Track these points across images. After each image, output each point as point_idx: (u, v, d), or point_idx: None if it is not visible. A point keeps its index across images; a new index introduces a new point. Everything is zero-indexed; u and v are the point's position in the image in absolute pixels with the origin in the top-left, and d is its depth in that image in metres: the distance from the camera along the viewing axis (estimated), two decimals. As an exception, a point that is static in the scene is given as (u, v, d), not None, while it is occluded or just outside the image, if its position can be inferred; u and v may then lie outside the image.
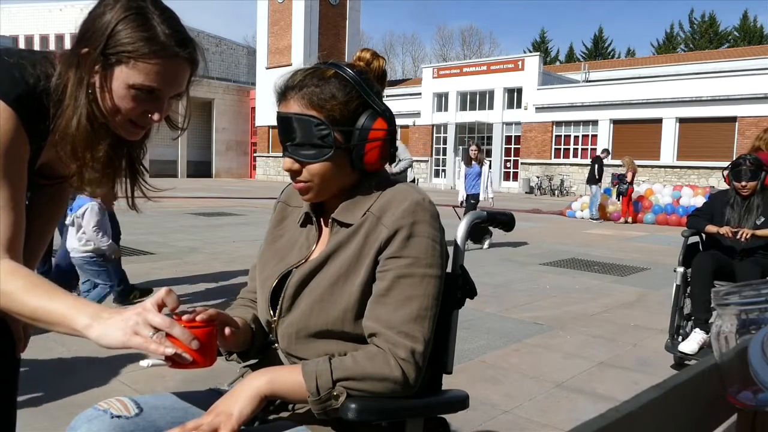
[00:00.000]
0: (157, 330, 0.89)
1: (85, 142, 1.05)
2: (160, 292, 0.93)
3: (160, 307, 0.92)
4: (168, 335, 0.89)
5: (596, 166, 13.05)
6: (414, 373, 1.00)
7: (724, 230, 3.37)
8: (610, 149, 19.47)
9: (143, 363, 0.93)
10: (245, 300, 1.26)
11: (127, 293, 4.28)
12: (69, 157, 1.06)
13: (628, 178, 12.53)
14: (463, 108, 28.86)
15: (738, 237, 3.32)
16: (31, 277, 0.98)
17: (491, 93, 27.74)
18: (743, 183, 3.44)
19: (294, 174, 1.08)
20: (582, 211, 13.58)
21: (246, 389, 0.96)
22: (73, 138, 1.04)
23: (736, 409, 0.76)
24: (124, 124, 1.07)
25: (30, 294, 0.95)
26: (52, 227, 1.37)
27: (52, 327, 0.95)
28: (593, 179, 13.02)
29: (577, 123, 25.46)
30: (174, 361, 0.90)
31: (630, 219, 12.70)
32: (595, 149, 14.31)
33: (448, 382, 1.19)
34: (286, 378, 0.98)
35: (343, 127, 1.05)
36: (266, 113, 32.20)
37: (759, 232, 3.31)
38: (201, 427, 0.90)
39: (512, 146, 27.60)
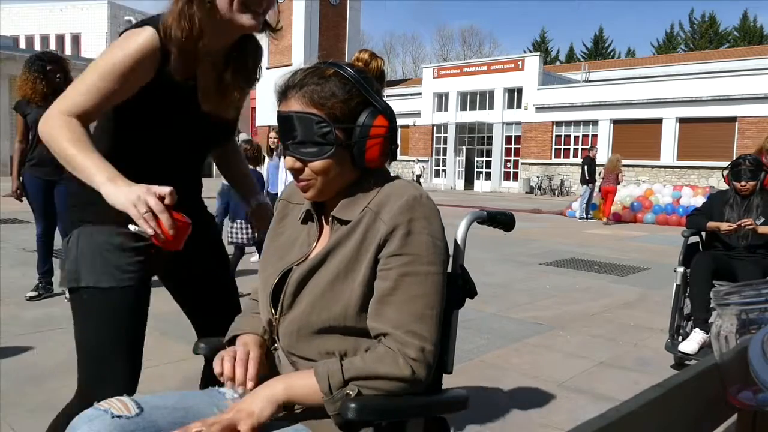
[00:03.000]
0: (150, 210, 1.09)
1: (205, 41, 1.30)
2: (165, 188, 1.12)
3: (161, 197, 1.11)
4: (156, 218, 1.10)
5: (585, 167, 13.09)
6: (424, 372, 1.01)
7: (725, 225, 3.37)
8: (608, 148, 19.50)
9: (132, 227, 1.12)
10: (255, 304, 1.26)
11: None
12: (192, 59, 1.31)
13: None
14: (463, 108, 28.86)
15: (741, 227, 3.32)
16: (80, 135, 1.21)
17: (491, 93, 27.73)
18: (743, 183, 3.44)
19: (296, 172, 1.09)
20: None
21: (264, 395, 1.00)
22: (195, 40, 1.29)
23: (736, 409, 0.76)
24: (241, 13, 1.29)
25: (72, 144, 1.19)
26: (245, 168, 1.81)
27: (76, 173, 1.19)
28: (583, 179, 13.10)
29: (577, 123, 25.46)
30: (153, 237, 1.11)
31: (592, 217, 12.80)
32: (595, 149, 14.29)
33: (448, 382, 1.19)
34: (300, 384, 1.01)
35: (344, 125, 1.06)
36: (266, 113, 32.17)
37: (761, 229, 3.31)
38: (221, 421, 0.94)
39: (512, 146, 27.60)
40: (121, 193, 1.11)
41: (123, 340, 1.34)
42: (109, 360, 1.33)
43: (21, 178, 4.18)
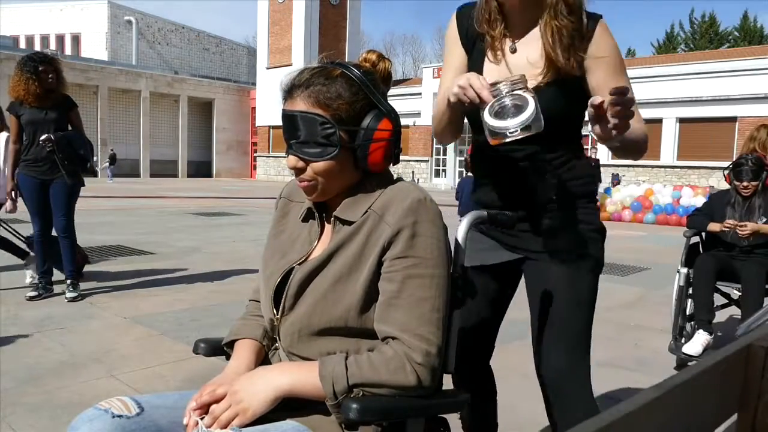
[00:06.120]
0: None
1: None
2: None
3: None
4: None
5: None
6: (430, 377, 1.02)
7: (727, 224, 3.36)
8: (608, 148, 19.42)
9: None
10: (256, 305, 1.26)
11: None
12: None
13: None
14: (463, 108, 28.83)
15: (740, 234, 3.31)
16: None
17: (491, 93, 27.72)
18: (745, 183, 3.43)
19: (298, 172, 1.09)
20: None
21: (268, 388, 1.00)
22: None
23: (737, 409, 0.76)
24: None
25: None
26: None
27: None
28: None
29: (577, 123, 25.45)
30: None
31: None
32: (596, 150, 14.26)
33: (448, 382, 1.19)
34: (307, 382, 1.01)
35: (349, 127, 1.06)
36: (267, 113, 32.19)
37: (763, 228, 3.30)
38: (220, 416, 0.97)
39: (512, 146, 27.59)
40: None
41: None
42: None
43: (15, 178, 4.19)
